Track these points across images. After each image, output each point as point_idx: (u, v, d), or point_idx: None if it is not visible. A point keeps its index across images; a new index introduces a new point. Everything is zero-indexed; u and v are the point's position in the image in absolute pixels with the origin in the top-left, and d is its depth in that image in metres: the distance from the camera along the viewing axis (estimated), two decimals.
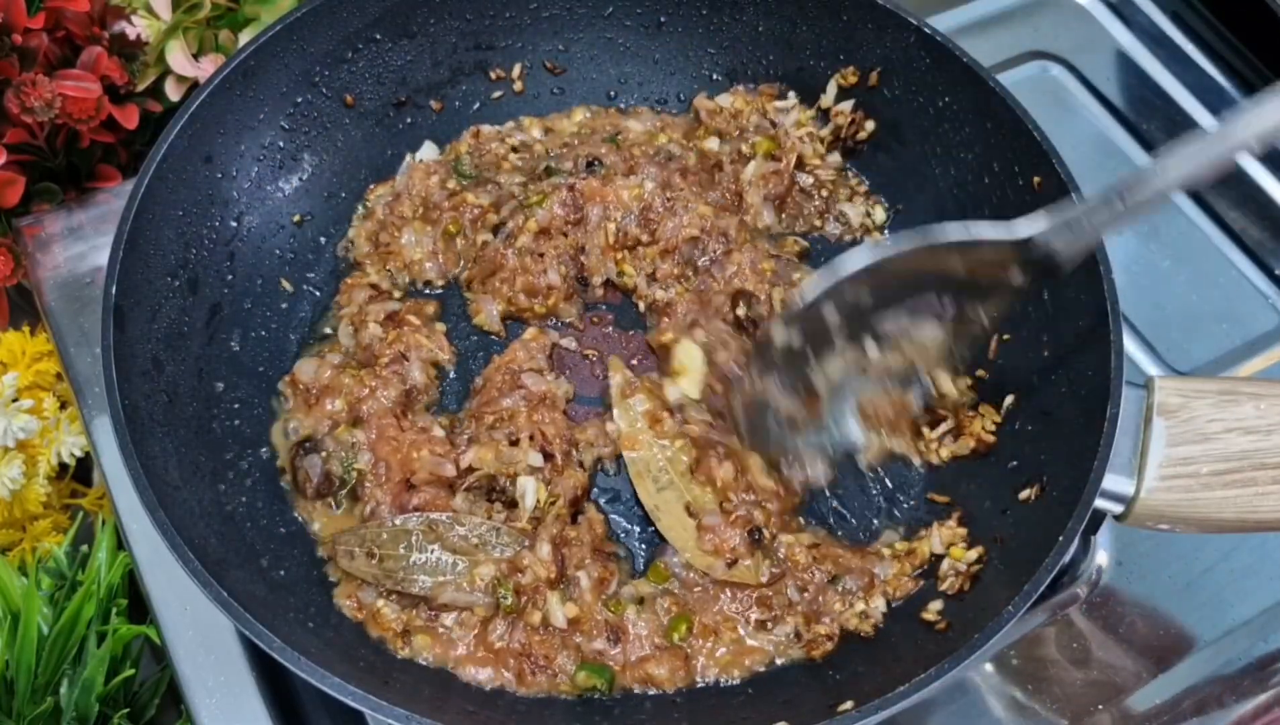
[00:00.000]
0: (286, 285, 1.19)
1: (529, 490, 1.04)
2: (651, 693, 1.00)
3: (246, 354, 1.13)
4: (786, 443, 1.07)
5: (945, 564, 1.03)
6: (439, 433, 1.09)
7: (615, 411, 1.11)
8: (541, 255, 1.17)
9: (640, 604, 1.03)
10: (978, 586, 0.99)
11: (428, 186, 1.23)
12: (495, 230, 1.19)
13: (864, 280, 0.96)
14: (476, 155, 1.27)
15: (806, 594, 1.03)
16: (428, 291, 1.21)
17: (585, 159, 1.23)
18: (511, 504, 1.04)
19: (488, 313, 1.18)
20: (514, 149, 1.27)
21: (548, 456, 1.07)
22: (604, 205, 1.18)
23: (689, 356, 1.13)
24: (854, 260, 0.96)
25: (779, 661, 1.01)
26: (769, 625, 1.02)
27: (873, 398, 1.06)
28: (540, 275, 1.17)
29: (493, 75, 1.30)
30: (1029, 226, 0.92)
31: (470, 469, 1.06)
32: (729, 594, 1.03)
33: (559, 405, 1.11)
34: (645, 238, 1.19)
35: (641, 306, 1.20)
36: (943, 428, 1.12)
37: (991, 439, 1.09)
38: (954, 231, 0.94)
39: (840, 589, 1.04)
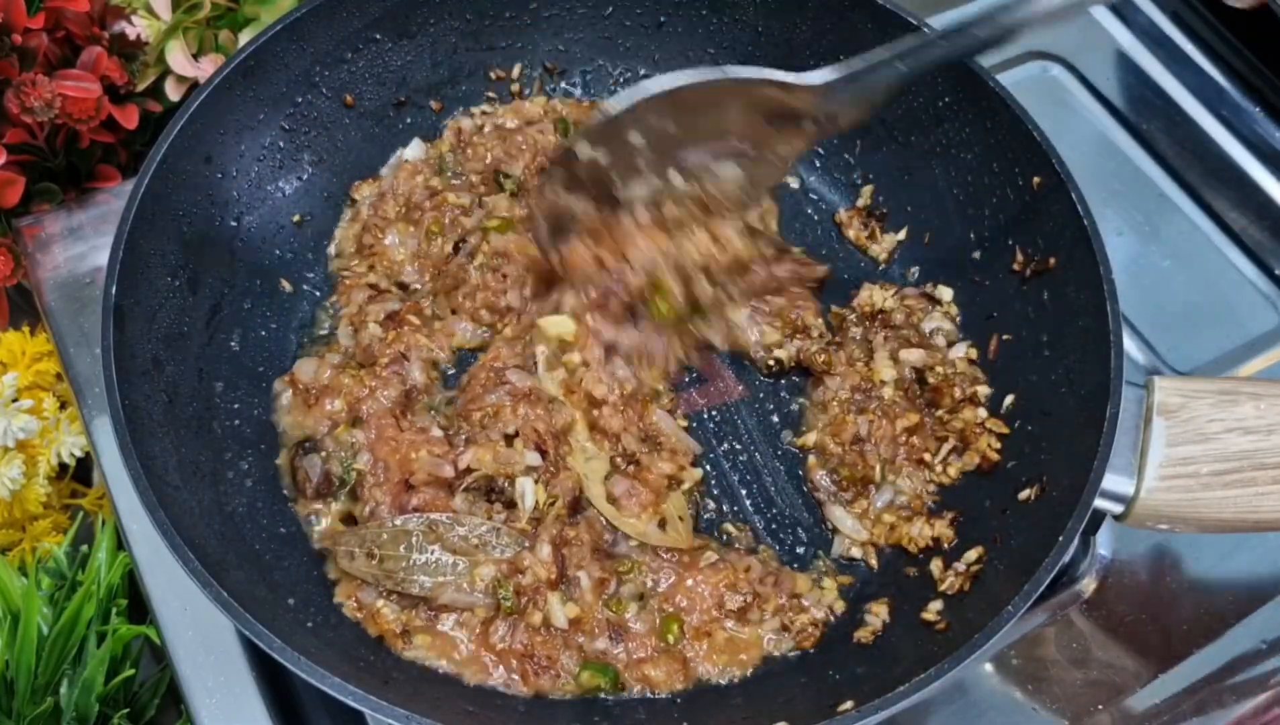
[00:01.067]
0: (286, 285, 1.19)
1: (528, 491, 1.04)
2: (651, 692, 1.00)
3: (246, 354, 1.13)
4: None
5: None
6: (437, 433, 1.09)
7: (543, 379, 1.10)
8: (505, 276, 1.16)
9: (641, 601, 1.03)
10: (978, 586, 0.99)
11: (412, 186, 1.23)
12: (457, 246, 1.18)
13: (667, 106, 1.02)
14: (459, 152, 1.26)
15: (769, 571, 1.04)
16: (415, 293, 1.20)
17: (535, 168, 1.22)
18: (511, 504, 1.04)
19: (462, 334, 1.17)
20: (495, 135, 1.26)
21: (543, 454, 1.07)
22: None
23: (557, 326, 1.13)
24: (657, 83, 1.01)
25: (775, 654, 1.02)
26: (749, 614, 1.02)
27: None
28: (500, 295, 1.15)
29: (493, 75, 1.30)
30: (819, 76, 1.01)
31: (469, 470, 1.05)
32: (693, 580, 1.03)
33: (543, 400, 1.10)
34: None
35: None
36: (947, 447, 1.10)
37: (996, 457, 1.08)
38: (749, 70, 1.02)
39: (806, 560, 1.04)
